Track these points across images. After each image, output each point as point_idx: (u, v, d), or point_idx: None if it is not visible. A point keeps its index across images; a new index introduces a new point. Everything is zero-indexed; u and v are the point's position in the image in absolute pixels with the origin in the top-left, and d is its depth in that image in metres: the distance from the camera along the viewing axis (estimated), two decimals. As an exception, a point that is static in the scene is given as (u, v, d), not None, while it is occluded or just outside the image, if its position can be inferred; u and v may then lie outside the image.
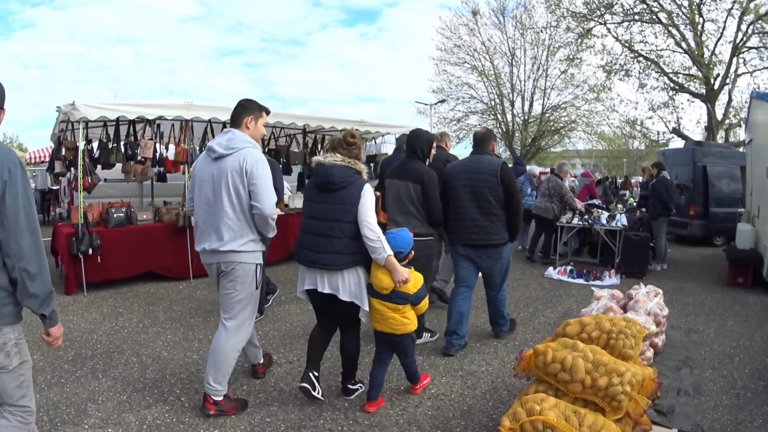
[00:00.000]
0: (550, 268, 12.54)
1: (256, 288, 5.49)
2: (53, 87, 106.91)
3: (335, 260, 5.25)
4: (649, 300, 6.58)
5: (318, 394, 5.48)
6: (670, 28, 27.94)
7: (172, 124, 12.96)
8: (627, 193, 21.05)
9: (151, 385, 6.24)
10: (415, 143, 7.05)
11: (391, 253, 5.21)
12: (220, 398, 5.40)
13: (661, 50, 29.28)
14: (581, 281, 11.70)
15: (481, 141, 7.52)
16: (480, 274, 7.50)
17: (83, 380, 6.37)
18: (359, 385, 6.00)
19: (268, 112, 5.73)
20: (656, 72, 29.69)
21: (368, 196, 5.28)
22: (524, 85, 40.57)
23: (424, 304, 5.52)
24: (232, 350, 5.44)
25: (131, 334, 8.12)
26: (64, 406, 5.68)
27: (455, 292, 7.39)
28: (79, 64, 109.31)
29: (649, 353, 6.07)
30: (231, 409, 5.47)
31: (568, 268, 12.46)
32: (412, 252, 5.54)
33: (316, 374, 5.59)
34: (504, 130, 41.22)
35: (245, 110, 5.49)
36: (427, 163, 7.13)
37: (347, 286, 5.35)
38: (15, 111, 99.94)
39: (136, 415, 5.47)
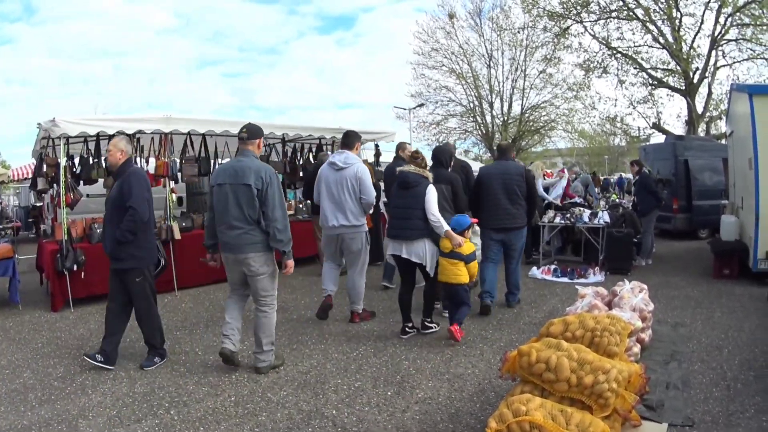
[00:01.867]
0: (534, 268, 12.55)
1: (366, 247, 8.82)
2: (36, 102, 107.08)
3: (409, 234, 7.85)
4: (634, 296, 6.65)
5: (414, 332, 8.32)
6: (647, 24, 28.06)
7: (152, 138, 12.98)
8: (610, 189, 21.05)
9: (140, 399, 6.23)
10: (441, 155, 9.34)
11: (448, 228, 7.72)
12: (359, 312, 9.06)
13: (638, 46, 29.40)
14: (566, 280, 11.75)
15: (506, 151, 10.23)
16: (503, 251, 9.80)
17: (73, 396, 6.36)
18: (434, 324, 8.42)
19: (360, 139, 9.38)
20: (635, 68, 29.78)
21: (431, 194, 7.83)
22: (503, 86, 40.72)
23: (474, 266, 7.87)
24: (360, 285, 8.95)
25: (119, 349, 8.03)
26: (55, 423, 5.67)
27: (485, 266, 9.59)
28: (61, 79, 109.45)
29: (636, 349, 6.13)
30: (367, 316, 9.15)
31: (552, 267, 12.50)
32: (469, 230, 8.03)
33: (410, 324, 8.32)
34: (483, 131, 41.36)
35: (356, 138, 9.13)
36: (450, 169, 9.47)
37: (416, 251, 7.89)
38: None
39: (126, 430, 5.46)
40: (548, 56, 34.57)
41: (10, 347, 8.40)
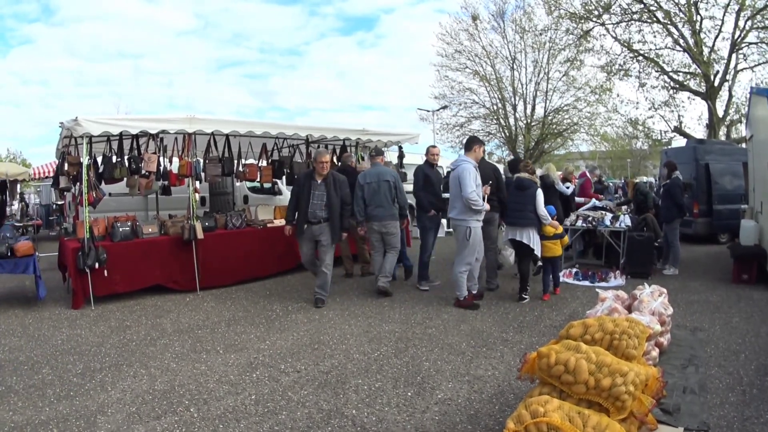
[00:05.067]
0: None
1: (468, 239, 9.77)
2: (54, 103, 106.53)
3: (524, 223, 10.25)
4: (654, 300, 6.59)
5: (528, 299, 10.48)
6: (668, 27, 27.87)
7: (175, 138, 13.03)
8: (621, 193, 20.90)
9: (160, 396, 6.27)
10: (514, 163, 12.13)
11: (550, 220, 10.54)
12: (462, 299, 9.99)
13: (659, 49, 29.14)
14: (586, 283, 11.73)
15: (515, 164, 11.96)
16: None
17: (92, 393, 6.41)
18: (527, 296, 10.50)
19: (483, 144, 10.64)
20: (656, 71, 29.56)
21: (540, 196, 10.33)
22: (526, 88, 40.41)
23: (566, 239, 11.35)
24: (459, 273, 9.93)
25: (139, 346, 8.15)
26: (74, 419, 5.71)
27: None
28: (78, 80, 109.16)
29: (655, 353, 6.08)
30: (471, 298, 10.09)
31: (574, 270, 12.47)
32: (555, 216, 10.88)
33: (527, 292, 10.55)
34: (507, 134, 41.08)
35: (476, 142, 10.28)
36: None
37: (528, 236, 10.24)
38: (17, 127, 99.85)
39: (145, 426, 5.50)
40: (570, 59, 34.35)
41: (29, 344, 8.45)
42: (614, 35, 30.21)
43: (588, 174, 17.52)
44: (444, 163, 21.18)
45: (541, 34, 36.77)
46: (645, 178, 42.44)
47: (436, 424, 5.38)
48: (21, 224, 22.05)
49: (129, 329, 9.08)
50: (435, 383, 6.43)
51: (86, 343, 8.35)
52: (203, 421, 5.59)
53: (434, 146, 12.10)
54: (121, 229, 11.10)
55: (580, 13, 30.38)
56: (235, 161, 14.00)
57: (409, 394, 6.15)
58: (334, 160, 15.66)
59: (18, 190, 27.04)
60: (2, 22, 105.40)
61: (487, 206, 9.84)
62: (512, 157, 39.97)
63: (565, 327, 4.90)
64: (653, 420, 4.32)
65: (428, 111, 44.21)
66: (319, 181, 10.29)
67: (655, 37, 29.03)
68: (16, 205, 27.46)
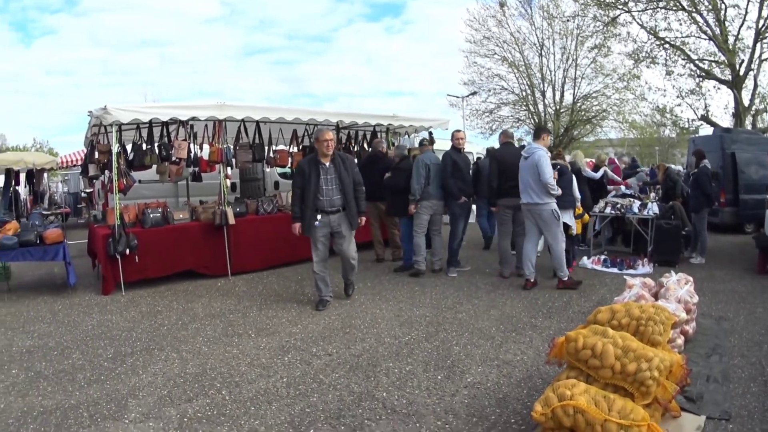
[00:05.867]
0: (584, 258, 12.53)
1: (558, 219, 10.04)
2: (79, 92, 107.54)
3: (566, 205, 10.51)
4: (680, 288, 6.64)
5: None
6: (693, 14, 27.61)
7: (206, 125, 13.07)
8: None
9: (191, 379, 6.36)
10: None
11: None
12: (565, 279, 10.24)
13: (685, 37, 28.87)
14: (615, 270, 11.70)
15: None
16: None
17: (123, 377, 6.50)
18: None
19: (550, 133, 10.96)
20: (682, 59, 29.30)
21: (575, 180, 10.99)
22: (554, 75, 40.07)
23: (586, 218, 12.28)
24: (560, 251, 10.12)
25: (170, 330, 8.26)
26: (104, 402, 5.81)
27: None
28: (104, 69, 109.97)
29: (680, 341, 6.15)
30: (570, 283, 10.22)
31: (602, 257, 12.44)
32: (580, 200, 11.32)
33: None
34: (536, 120, 40.52)
35: (544, 131, 10.67)
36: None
37: (569, 217, 10.63)
38: (42, 117, 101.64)
39: (177, 409, 5.58)
40: (598, 46, 34.07)
41: (59, 329, 8.56)
42: (640, 22, 29.92)
43: (617, 161, 17.46)
44: (473, 149, 21.16)
45: (568, 21, 36.55)
46: (673, 166, 42.22)
47: (465, 407, 5.42)
48: (49, 212, 22.23)
49: (160, 314, 9.19)
50: (465, 367, 6.48)
51: (117, 328, 8.47)
52: (235, 403, 5.67)
53: (459, 131, 12.05)
54: (152, 216, 11.24)
55: (606, 0, 30.18)
56: (266, 147, 14.03)
57: (439, 377, 6.20)
58: (365, 145, 15.89)
59: (45, 179, 27.33)
60: (24, 14, 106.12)
61: (559, 191, 10.11)
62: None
63: (593, 312, 4.97)
64: (676, 407, 4.39)
65: (457, 97, 43.99)
66: (327, 164, 9.09)
67: (680, 24, 28.79)
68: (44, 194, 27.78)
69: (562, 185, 10.38)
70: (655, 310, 4.84)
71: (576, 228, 11.17)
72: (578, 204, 11.12)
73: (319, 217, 8.99)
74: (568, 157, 12.61)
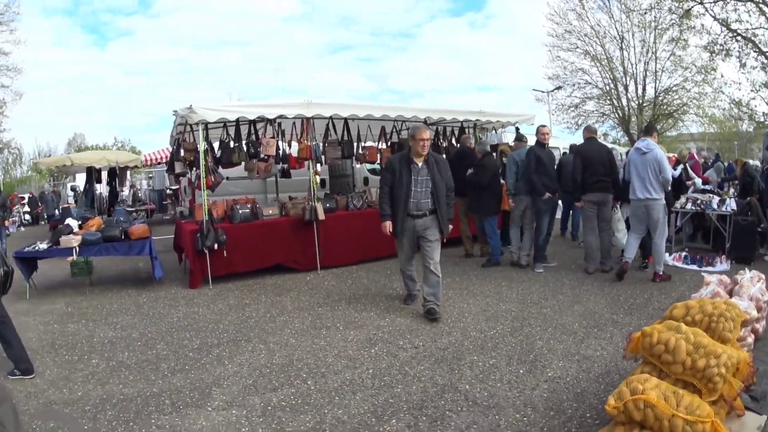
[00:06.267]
0: (666, 254, 12.09)
1: (664, 216, 10.22)
2: (159, 92, 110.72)
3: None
4: (753, 285, 6.40)
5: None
6: (760, 6, 26.93)
7: (293, 122, 13.10)
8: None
9: (277, 369, 6.32)
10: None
11: None
12: (660, 273, 10.10)
13: (755, 29, 28.20)
14: (694, 267, 11.35)
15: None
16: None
17: (208, 366, 6.51)
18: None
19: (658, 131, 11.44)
20: (754, 51, 28.64)
21: None
22: (636, 68, 39.31)
23: None
24: (663, 245, 10.19)
25: (258, 323, 8.24)
26: (187, 391, 5.81)
27: None
28: (183, 68, 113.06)
29: (750, 339, 6.00)
30: (666, 278, 10.11)
31: (683, 254, 12.08)
32: None
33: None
34: (620, 115, 40.25)
35: (653, 129, 10.64)
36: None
37: None
38: (123, 117, 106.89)
39: (261, 398, 5.55)
40: (674, 38, 33.58)
41: (143, 321, 8.65)
42: (713, 14, 29.38)
43: (696, 156, 16.94)
44: (559, 144, 20.86)
45: (645, 14, 35.91)
46: (751, 161, 41.19)
47: (543, 401, 5.35)
48: (133, 209, 22.76)
49: (248, 307, 9.20)
50: (546, 362, 6.38)
51: (203, 320, 8.51)
52: (319, 393, 5.63)
53: (544, 126, 11.85)
54: (240, 211, 11.31)
55: None
56: (355, 144, 13.99)
57: (521, 371, 6.11)
58: (453, 141, 15.62)
59: (128, 177, 28.29)
60: (96, 17, 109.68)
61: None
62: (626, 138, 39.37)
63: (669, 308, 4.94)
64: (741, 405, 4.33)
65: (543, 92, 43.86)
66: (419, 165, 8.31)
67: (750, 16, 28.14)
68: (126, 191, 28.68)
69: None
70: (726, 306, 4.75)
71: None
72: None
73: (406, 220, 8.29)
74: None
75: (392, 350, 6.84)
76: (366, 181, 18.84)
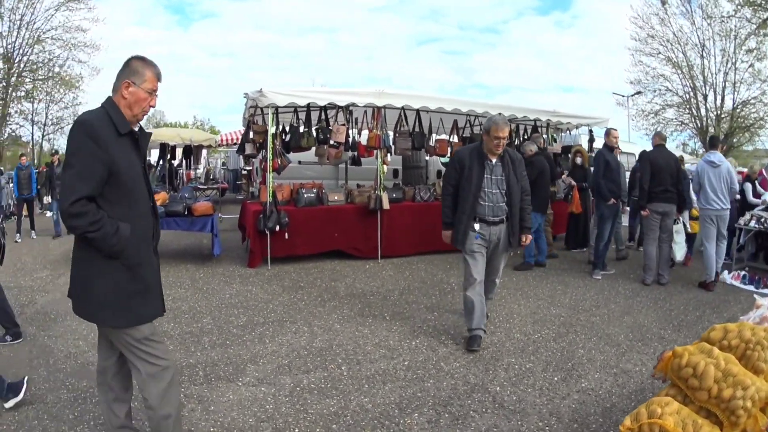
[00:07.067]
0: (725, 272, 11.79)
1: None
2: (244, 74, 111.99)
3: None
4: (801, 313, 6.20)
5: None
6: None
7: (365, 111, 13.20)
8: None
9: (315, 353, 6.41)
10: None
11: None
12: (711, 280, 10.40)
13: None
14: (752, 288, 10.85)
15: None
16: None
17: (248, 344, 6.64)
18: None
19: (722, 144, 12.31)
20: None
21: None
22: (715, 78, 38.37)
23: None
24: (712, 253, 10.43)
25: (307, 306, 8.36)
26: (222, 365, 5.95)
27: None
28: (270, 52, 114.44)
29: None
30: (712, 286, 10.32)
31: (742, 272, 11.63)
32: None
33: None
34: (698, 125, 39.45)
35: (719, 141, 11.17)
36: None
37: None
38: (206, 97, 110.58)
39: (292, 378, 5.64)
40: (752, 48, 32.86)
41: (195, 295, 8.86)
42: None
43: (765, 172, 16.53)
44: (630, 149, 20.64)
45: (723, 21, 35.12)
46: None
47: (570, 411, 5.25)
48: (205, 187, 23.11)
49: (301, 290, 9.32)
50: (583, 371, 6.25)
51: (254, 299, 8.65)
52: (350, 379, 5.69)
53: (614, 129, 11.66)
54: (305, 195, 11.45)
55: (757, 1, 29.00)
56: (426, 136, 13.99)
57: (555, 378, 6.02)
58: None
59: (203, 155, 29.21)
60: None
61: None
62: (704, 149, 38.51)
63: (708, 329, 4.69)
64: None
65: (623, 96, 43.27)
66: (493, 161, 6.97)
67: None
68: (201, 169, 29.47)
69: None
70: (765, 334, 4.47)
71: (693, 227, 12.45)
72: (695, 205, 11.63)
73: (477, 226, 6.80)
74: None
75: (432, 344, 6.84)
76: (439, 174, 18.77)
